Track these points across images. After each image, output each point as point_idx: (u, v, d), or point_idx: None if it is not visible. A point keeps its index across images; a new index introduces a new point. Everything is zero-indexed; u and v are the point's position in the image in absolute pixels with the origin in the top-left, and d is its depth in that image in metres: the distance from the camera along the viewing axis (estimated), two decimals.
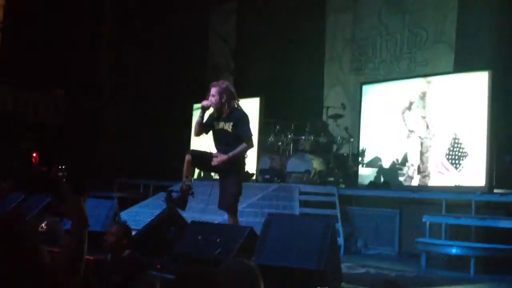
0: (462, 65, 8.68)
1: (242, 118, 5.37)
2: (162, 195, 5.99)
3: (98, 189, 9.21)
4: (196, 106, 9.17)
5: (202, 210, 7.62)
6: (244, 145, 5.33)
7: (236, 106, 5.40)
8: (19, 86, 10.38)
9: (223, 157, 5.27)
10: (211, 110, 5.51)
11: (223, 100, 5.32)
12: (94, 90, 11.38)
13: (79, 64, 11.29)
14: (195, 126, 5.50)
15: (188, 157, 5.41)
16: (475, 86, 7.79)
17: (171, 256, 4.90)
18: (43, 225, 5.06)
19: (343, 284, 4.67)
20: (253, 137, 5.48)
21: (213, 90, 5.36)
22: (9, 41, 10.92)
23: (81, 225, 2.50)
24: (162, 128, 11.73)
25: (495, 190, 7.42)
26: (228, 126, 5.36)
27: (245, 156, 5.72)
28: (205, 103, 5.38)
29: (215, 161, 5.29)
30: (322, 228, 4.54)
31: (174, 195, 5.51)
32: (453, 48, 9.15)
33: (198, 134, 5.53)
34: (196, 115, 5.51)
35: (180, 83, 11.67)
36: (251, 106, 10.12)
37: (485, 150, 7.48)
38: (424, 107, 8.37)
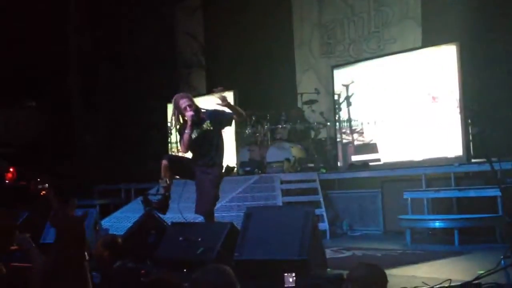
0: (430, 40, 8.69)
1: (215, 110, 5.52)
2: (140, 199, 5.92)
3: (79, 198, 9.06)
4: (170, 105, 9.07)
5: (183, 209, 7.59)
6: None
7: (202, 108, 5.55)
8: None
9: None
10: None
11: (197, 108, 5.42)
12: (65, 99, 11.23)
13: (47, 76, 11.09)
14: (185, 142, 5.37)
15: (164, 162, 5.33)
16: (444, 59, 7.81)
17: (154, 260, 4.84)
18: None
19: (328, 270, 4.65)
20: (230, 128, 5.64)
21: (186, 102, 5.37)
22: None
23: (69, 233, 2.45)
24: (137, 130, 11.59)
25: (472, 161, 7.47)
26: (208, 125, 5.39)
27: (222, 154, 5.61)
28: (190, 116, 5.32)
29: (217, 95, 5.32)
30: (302, 217, 4.51)
31: (152, 198, 5.45)
32: (420, 24, 9.17)
33: (187, 150, 5.47)
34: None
35: (152, 84, 11.53)
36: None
37: (459, 122, 7.53)
38: (395, 84, 8.37)
